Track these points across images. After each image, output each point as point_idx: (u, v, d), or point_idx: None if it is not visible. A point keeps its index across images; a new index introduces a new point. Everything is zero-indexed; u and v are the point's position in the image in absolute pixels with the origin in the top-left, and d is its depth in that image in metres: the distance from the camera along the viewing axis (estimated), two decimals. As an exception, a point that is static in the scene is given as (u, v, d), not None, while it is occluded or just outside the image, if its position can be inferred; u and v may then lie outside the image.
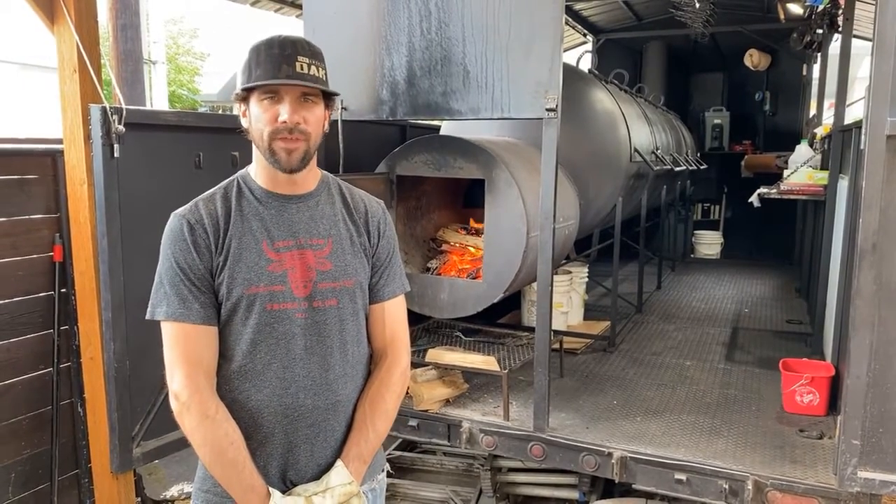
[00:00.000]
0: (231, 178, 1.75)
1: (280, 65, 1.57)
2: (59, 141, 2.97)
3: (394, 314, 1.83)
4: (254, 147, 1.69)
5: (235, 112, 1.70)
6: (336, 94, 1.70)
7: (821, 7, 5.37)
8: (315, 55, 1.63)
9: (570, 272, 4.66)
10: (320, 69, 1.63)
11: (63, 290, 3.19)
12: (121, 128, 2.71)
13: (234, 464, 1.58)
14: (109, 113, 2.70)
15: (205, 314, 1.62)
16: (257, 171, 1.72)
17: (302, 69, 1.58)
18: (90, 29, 2.87)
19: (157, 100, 12.21)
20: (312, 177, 1.75)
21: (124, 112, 2.73)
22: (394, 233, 1.87)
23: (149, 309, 1.64)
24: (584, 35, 8.56)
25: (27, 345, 3.10)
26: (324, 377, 1.68)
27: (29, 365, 3.11)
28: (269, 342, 1.64)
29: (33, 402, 3.13)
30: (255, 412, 1.65)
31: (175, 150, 3.01)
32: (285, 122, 1.58)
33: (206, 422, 1.58)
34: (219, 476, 1.60)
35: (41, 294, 3.15)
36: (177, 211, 1.67)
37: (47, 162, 3.14)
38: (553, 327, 3.11)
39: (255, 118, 1.62)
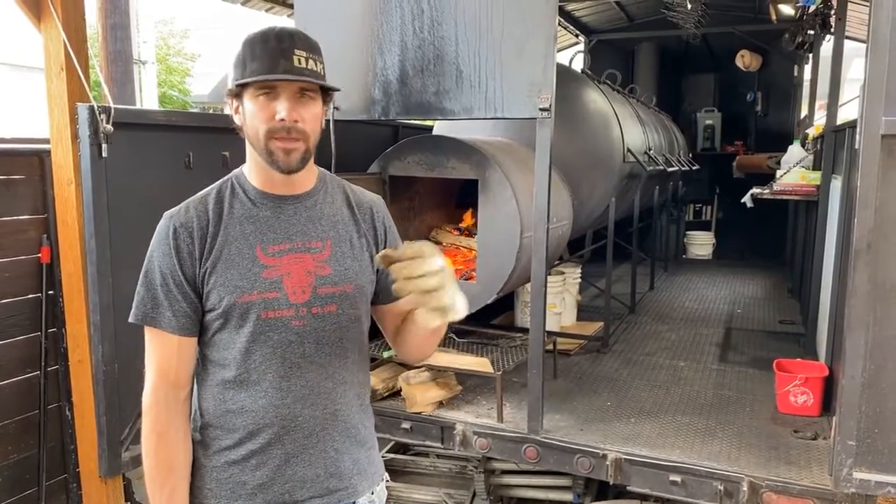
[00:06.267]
0: (226, 177, 1.66)
1: (277, 59, 1.48)
2: (46, 140, 2.93)
3: None
4: (247, 145, 1.60)
5: (227, 111, 1.61)
6: (336, 90, 1.60)
7: (813, 7, 5.39)
8: (313, 48, 1.53)
9: (564, 273, 4.64)
10: (318, 63, 1.53)
11: (50, 293, 3.15)
12: (109, 127, 2.67)
13: (161, 488, 1.58)
14: (97, 112, 2.66)
15: (176, 323, 1.54)
16: (251, 170, 1.62)
17: (300, 63, 1.49)
18: (77, 26, 2.83)
19: (148, 100, 12.14)
20: (310, 175, 1.66)
21: (112, 111, 2.69)
22: (394, 225, 1.81)
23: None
24: (577, 36, 8.56)
25: (14, 348, 3.06)
26: (322, 386, 1.61)
27: (16, 368, 3.07)
28: (263, 351, 1.56)
29: (20, 406, 3.09)
30: (251, 423, 1.58)
31: (164, 150, 2.97)
32: (283, 120, 1.49)
33: (153, 437, 1.56)
34: (148, 494, 1.60)
35: (28, 296, 3.11)
36: (168, 212, 1.60)
37: (34, 162, 3.10)
38: (546, 328, 3.09)
39: (250, 115, 1.52)
